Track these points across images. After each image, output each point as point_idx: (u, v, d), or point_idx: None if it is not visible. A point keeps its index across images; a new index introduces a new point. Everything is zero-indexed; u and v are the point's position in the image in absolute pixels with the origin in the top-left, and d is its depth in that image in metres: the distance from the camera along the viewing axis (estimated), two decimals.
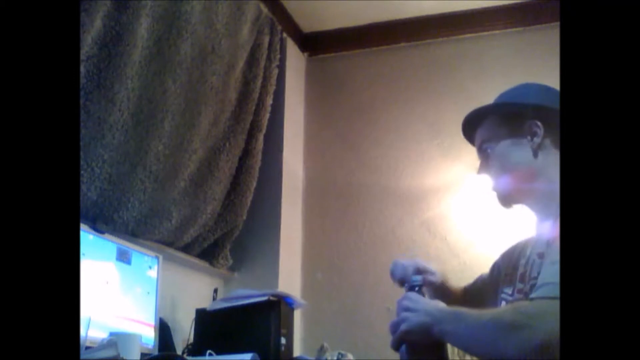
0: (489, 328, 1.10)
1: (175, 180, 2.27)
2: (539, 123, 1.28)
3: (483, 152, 1.37)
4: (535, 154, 1.29)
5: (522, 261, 1.32)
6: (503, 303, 1.32)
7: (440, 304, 1.21)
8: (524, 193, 1.32)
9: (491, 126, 1.36)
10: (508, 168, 1.32)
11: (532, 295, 1.11)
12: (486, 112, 1.38)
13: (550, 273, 1.09)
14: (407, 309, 1.20)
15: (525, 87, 1.39)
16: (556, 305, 1.00)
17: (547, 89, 1.35)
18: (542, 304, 1.07)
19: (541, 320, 1.04)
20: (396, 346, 1.21)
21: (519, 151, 1.30)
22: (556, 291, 1.03)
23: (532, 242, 1.32)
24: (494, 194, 1.37)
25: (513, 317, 1.08)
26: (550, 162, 1.27)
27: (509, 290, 1.33)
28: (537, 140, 1.28)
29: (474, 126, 1.40)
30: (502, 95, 1.40)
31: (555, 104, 1.23)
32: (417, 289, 1.29)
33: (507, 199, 1.35)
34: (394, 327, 1.20)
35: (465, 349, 1.17)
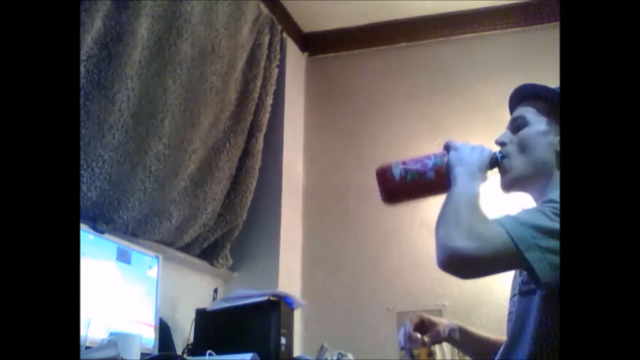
0: (454, 204, 1.16)
1: (175, 180, 2.27)
2: None
3: (514, 123, 1.32)
4: (557, 156, 1.24)
5: None
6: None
7: (484, 167, 1.23)
8: (531, 185, 1.28)
9: (539, 105, 1.29)
10: (526, 156, 1.27)
11: (499, 218, 1.11)
12: (544, 93, 1.30)
13: (526, 217, 1.09)
14: (469, 147, 1.24)
15: None
16: (502, 243, 1.05)
17: None
18: (493, 231, 1.08)
19: (476, 239, 1.07)
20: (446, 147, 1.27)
21: (544, 145, 1.25)
22: (515, 232, 1.06)
23: None
24: (499, 176, 1.32)
25: (463, 217, 1.11)
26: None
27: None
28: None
29: (524, 99, 1.33)
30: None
31: None
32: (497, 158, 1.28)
33: (511, 185, 1.30)
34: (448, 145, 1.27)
35: (444, 205, 1.20)
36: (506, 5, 2.96)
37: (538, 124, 1.27)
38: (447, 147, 1.28)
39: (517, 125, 1.30)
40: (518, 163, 1.27)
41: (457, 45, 3.06)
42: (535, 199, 1.29)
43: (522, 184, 1.29)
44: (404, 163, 1.27)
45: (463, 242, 1.08)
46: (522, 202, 1.38)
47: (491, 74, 2.88)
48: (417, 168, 1.26)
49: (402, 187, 1.27)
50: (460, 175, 1.20)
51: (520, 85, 1.34)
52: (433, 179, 1.25)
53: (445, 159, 1.26)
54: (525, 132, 1.28)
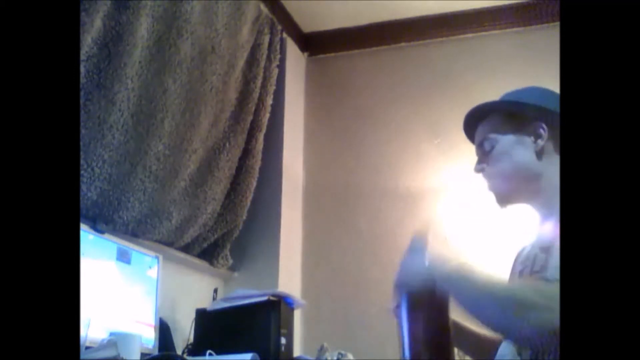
0: (504, 302, 1.06)
1: (175, 180, 2.27)
2: (544, 125, 1.27)
3: (482, 149, 1.34)
4: (538, 156, 1.27)
5: (520, 259, 1.32)
6: None
7: (446, 263, 1.17)
8: (524, 193, 1.30)
9: (495, 123, 1.33)
10: (509, 167, 1.29)
11: (550, 277, 1.07)
12: (491, 109, 1.35)
13: None
14: (409, 268, 1.19)
15: (532, 90, 1.36)
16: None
17: (554, 94, 1.32)
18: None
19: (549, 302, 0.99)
20: (396, 305, 1.19)
21: (522, 151, 1.28)
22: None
23: (534, 240, 1.31)
24: (491, 193, 1.34)
25: (532, 297, 1.03)
26: (552, 165, 1.25)
27: None
28: (540, 142, 1.27)
29: (476, 122, 1.38)
30: (507, 95, 1.38)
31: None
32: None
33: (504, 199, 1.32)
34: (396, 287, 1.19)
35: (471, 313, 1.12)
36: (506, 5, 2.96)
37: (505, 136, 1.30)
38: (397, 309, 1.19)
39: (487, 148, 1.32)
40: (504, 179, 1.29)
41: (457, 45, 3.06)
42: (534, 206, 1.30)
43: (514, 195, 1.30)
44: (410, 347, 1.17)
45: (545, 315, 0.99)
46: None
47: (491, 74, 2.88)
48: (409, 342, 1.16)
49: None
50: (450, 287, 1.12)
51: (468, 113, 1.37)
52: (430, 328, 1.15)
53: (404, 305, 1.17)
54: (498, 148, 1.30)
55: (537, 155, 1.27)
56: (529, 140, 1.28)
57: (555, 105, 1.27)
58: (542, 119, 1.27)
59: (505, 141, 1.30)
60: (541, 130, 1.27)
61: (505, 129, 1.30)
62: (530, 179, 1.27)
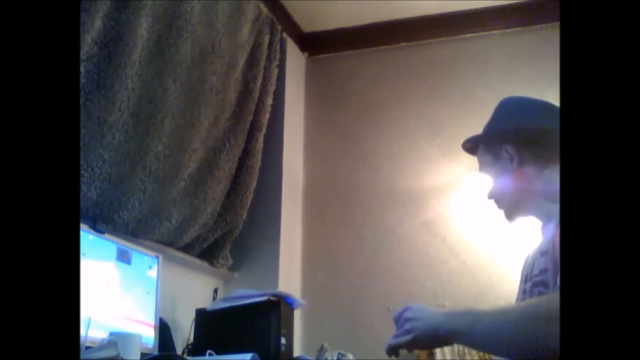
0: (524, 322, 1.06)
1: (175, 180, 2.27)
2: (509, 148, 1.38)
3: (484, 171, 1.47)
4: (519, 174, 1.37)
5: (526, 265, 1.33)
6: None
7: (445, 309, 1.20)
8: (522, 206, 1.39)
9: (481, 153, 1.47)
10: (501, 188, 1.41)
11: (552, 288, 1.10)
12: (476, 142, 1.49)
13: None
14: (411, 319, 1.17)
15: (500, 110, 1.48)
16: None
17: (520, 105, 1.45)
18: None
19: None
20: (392, 353, 1.20)
21: (505, 173, 1.39)
22: None
23: (537, 244, 1.33)
24: (500, 211, 1.45)
25: (550, 308, 1.01)
26: (536, 174, 1.35)
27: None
28: (514, 163, 1.37)
29: (473, 152, 1.52)
30: (494, 116, 1.50)
31: (524, 121, 1.38)
32: None
33: (510, 214, 1.42)
34: (398, 338, 1.18)
35: (482, 347, 1.15)
36: (506, 5, 2.96)
37: (488, 167, 1.44)
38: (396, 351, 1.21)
39: (485, 170, 1.46)
40: (508, 196, 1.41)
41: (457, 45, 3.06)
42: (538, 217, 1.36)
43: (518, 208, 1.40)
44: None
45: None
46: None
47: (491, 74, 2.88)
48: None
49: None
50: (457, 328, 1.12)
51: (462, 143, 1.52)
52: None
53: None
54: (491, 177, 1.43)
55: (516, 173, 1.37)
56: (505, 163, 1.39)
57: (517, 120, 1.40)
58: (507, 140, 1.39)
59: (491, 171, 1.43)
60: (512, 152, 1.37)
61: (488, 161, 1.44)
62: (521, 193, 1.37)
